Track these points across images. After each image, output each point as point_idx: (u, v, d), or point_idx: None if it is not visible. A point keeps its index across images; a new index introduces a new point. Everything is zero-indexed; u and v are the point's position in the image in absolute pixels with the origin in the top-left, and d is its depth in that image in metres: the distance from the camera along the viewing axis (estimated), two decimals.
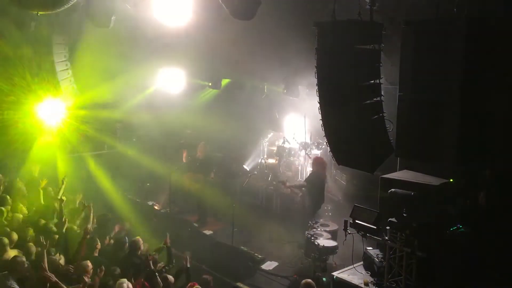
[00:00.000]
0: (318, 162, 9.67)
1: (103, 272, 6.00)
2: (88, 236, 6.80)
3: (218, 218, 10.92)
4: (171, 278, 6.25)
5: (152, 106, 13.10)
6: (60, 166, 11.90)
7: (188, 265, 6.76)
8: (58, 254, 6.53)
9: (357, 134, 5.00)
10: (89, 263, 5.99)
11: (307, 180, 9.72)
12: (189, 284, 6.25)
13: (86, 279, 5.70)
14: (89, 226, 7.41)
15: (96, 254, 6.80)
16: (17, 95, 10.79)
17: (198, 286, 6.12)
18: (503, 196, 6.31)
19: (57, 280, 5.50)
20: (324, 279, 7.39)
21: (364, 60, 4.94)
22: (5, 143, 10.64)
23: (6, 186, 8.74)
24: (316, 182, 9.42)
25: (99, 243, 6.97)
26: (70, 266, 6.17)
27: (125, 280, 5.71)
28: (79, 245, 6.61)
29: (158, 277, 6.24)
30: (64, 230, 7.18)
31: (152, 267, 6.30)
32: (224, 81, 12.61)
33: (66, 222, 7.31)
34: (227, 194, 11.25)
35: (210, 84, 12.33)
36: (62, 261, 6.43)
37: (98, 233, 7.48)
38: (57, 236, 7.09)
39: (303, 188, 9.75)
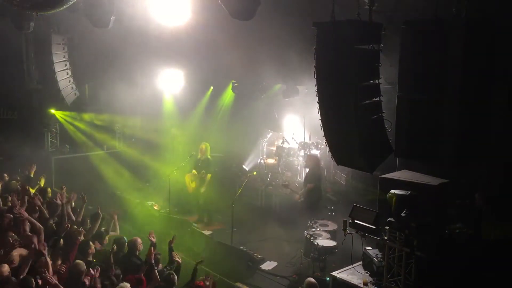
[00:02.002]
0: (312, 160, 9.79)
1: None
2: (81, 238, 6.70)
3: (217, 218, 10.92)
4: (175, 277, 6.23)
5: (151, 105, 13.11)
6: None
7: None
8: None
9: (356, 134, 5.00)
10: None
11: (306, 180, 9.78)
12: (195, 282, 6.27)
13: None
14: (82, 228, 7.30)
15: (90, 259, 6.57)
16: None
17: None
18: (500, 195, 6.34)
19: (57, 283, 5.50)
20: (327, 278, 7.39)
21: (363, 60, 4.93)
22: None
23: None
24: (315, 181, 9.56)
25: (93, 247, 6.76)
26: (63, 265, 6.12)
27: (127, 284, 5.69)
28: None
29: (155, 270, 6.24)
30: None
31: (152, 260, 6.30)
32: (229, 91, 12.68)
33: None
34: (227, 194, 11.24)
35: (212, 87, 12.43)
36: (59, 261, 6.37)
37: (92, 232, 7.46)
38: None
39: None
